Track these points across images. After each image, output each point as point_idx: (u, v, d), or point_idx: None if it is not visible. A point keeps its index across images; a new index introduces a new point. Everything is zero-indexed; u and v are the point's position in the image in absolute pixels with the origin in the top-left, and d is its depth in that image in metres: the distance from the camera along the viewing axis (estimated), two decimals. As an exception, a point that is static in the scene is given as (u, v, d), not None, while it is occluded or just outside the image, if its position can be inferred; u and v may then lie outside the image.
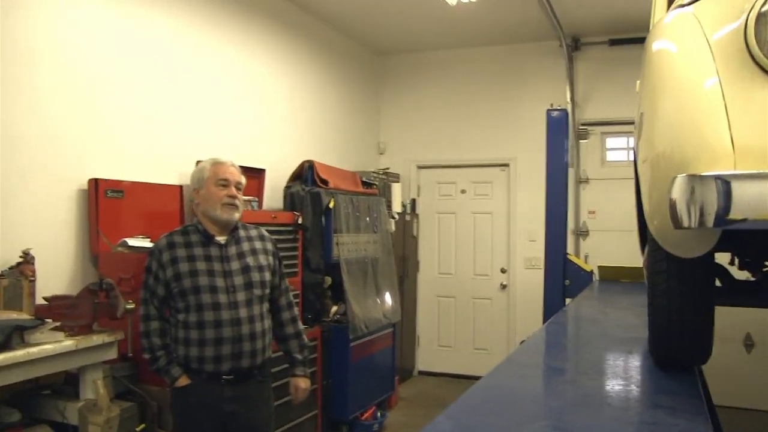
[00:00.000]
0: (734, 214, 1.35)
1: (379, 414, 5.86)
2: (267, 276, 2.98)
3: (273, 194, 5.54)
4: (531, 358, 2.41)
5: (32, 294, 3.33)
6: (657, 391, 1.85)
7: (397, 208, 7.17)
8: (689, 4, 1.69)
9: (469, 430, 1.47)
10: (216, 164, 2.94)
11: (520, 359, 2.35)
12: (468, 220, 7.79)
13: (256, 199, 5.18)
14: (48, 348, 3.02)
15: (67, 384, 3.45)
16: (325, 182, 5.54)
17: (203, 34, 5.07)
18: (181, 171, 4.64)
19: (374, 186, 6.56)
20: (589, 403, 1.71)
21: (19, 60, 3.62)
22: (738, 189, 1.34)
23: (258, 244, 3.01)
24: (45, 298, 3.37)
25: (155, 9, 4.60)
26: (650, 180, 1.63)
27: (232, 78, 5.42)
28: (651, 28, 2.13)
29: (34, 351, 2.93)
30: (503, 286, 7.58)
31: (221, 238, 2.91)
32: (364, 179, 6.45)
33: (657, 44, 1.74)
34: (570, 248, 6.39)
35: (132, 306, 3.39)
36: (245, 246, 2.96)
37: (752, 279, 2.38)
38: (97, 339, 3.30)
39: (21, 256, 3.37)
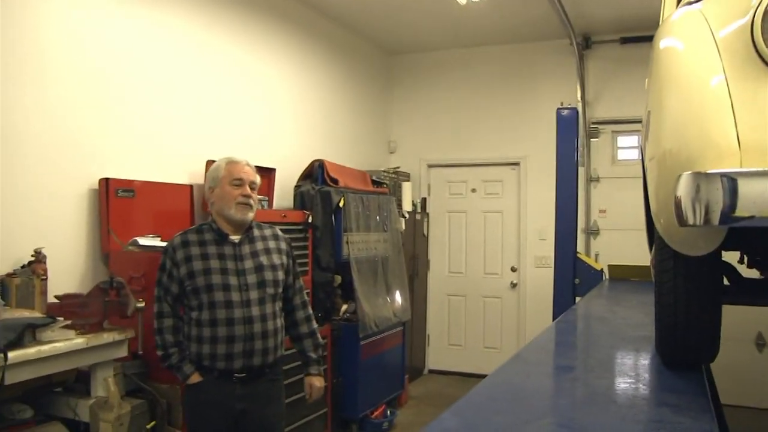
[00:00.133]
0: (741, 211, 1.34)
1: (389, 412, 5.87)
2: (280, 275, 2.99)
3: (283, 193, 5.55)
4: (538, 355, 2.41)
5: (44, 292, 3.36)
6: (663, 390, 1.84)
7: (407, 206, 7.17)
8: (697, 1, 1.69)
9: (475, 427, 1.47)
10: (230, 163, 2.95)
11: (526, 357, 2.34)
12: (478, 219, 7.78)
13: (267, 198, 5.20)
14: (59, 346, 3.04)
15: (78, 381, 3.47)
16: (335, 181, 5.55)
17: (214, 34, 5.09)
18: (192, 170, 4.67)
19: (384, 185, 6.56)
20: (594, 401, 1.71)
21: (30, 60, 3.65)
22: (744, 186, 1.34)
23: (272, 243, 3.02)
24: (56, 297, 3.41)
25: (165, 9, 4.63)
26: (657, 178, 1.63)
27: (243, 77, 5.44)
28: (659, 25, 2.13)
29: (45, 349, 2.96)
30: (513, 285, 7.57)
31: (235, 237, 2.92)
32: (374, 178, 6.45)
33: (664, 42, 1.73)
34: (580, 247, 6.37)
35: (142, 304, 3.42)
36: (259, 245, 2.97)
37: (761, 277, 2.36)
38: (107, 337, 3.32)
39: (33, 255, 3.41)
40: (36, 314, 3.14)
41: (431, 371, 7.87)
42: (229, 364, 2.81)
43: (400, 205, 6.82)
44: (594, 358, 2.35)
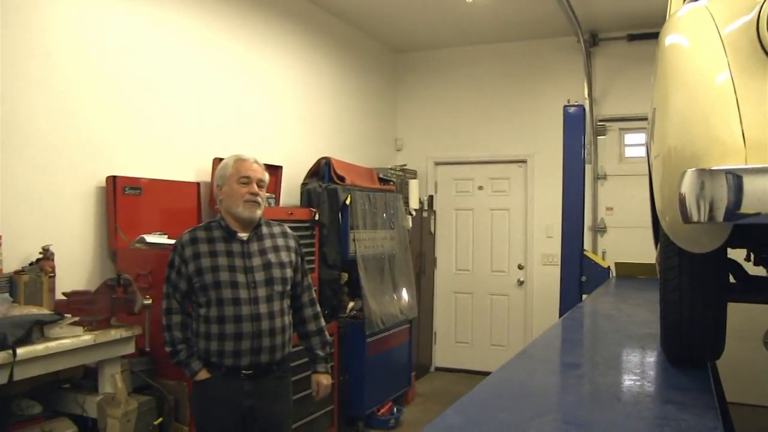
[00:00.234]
0: (746, 208, 1.34)
1: (395, 409, 5.88)
2: (288, 273, 2.99)
3: (290, 191, 5.56)
4: (544, 352, 2.41)
5: (52, 289, 3.38)
6: (668, 387, 1.84)
7: (414, 204, 7.17)
8: (703, -3, 1.69)
9: (479, 424, 1.47)
10: (239, 161, 2.96)
11: (532, 354, 2.34)
12: (485, 217, 7.77)
13: (273, 195, 5.21)
14: (67, 342, 3.06)
15: (86, 378, 3.49)
16: (342, 179, 5.55)
17: (220, 32, 5.10)
18: (199, 168, 4.69)
19: (391, 182, 6.56)
20: (599, 398, 1.71)
21: (37, 58, 3.67)
22: (749, 183, 1.33)
23: (280, 241, 3.03)
24: (64, 294, 3.42)
25: (172, 7, 4.64)
26: (662, 175, 1.62)
27: (250, 75, 5.45)
28: (665, 21, 2.12)
29: (53, 345, 2.98)
30: (520, 282, 7.56)
31: (244, 234, 2.93)
32: (381, 176, 6.45)
33: (670, 38, 1.73)
34: (587, 245, 6.35)
35: (149, 302, 3.43)
36: (267, 242, 2.98)
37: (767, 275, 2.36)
38: (115, 334, 3.34)
39: (41, 252, 3.42)
40: (44, 311, 3.16)
41: (438, 368, 7.87)
42: (236, 361, 2.82)
43: (406, 203, 6.82)
44: (600, 355, 2.35)
